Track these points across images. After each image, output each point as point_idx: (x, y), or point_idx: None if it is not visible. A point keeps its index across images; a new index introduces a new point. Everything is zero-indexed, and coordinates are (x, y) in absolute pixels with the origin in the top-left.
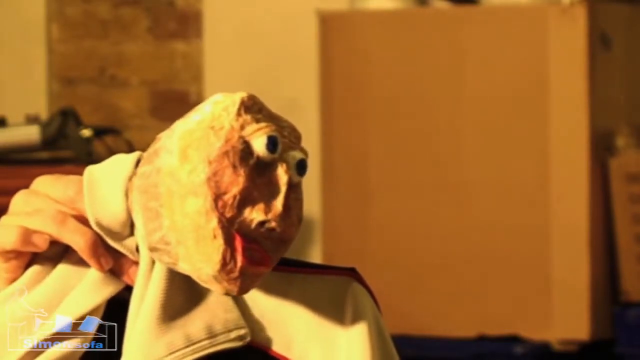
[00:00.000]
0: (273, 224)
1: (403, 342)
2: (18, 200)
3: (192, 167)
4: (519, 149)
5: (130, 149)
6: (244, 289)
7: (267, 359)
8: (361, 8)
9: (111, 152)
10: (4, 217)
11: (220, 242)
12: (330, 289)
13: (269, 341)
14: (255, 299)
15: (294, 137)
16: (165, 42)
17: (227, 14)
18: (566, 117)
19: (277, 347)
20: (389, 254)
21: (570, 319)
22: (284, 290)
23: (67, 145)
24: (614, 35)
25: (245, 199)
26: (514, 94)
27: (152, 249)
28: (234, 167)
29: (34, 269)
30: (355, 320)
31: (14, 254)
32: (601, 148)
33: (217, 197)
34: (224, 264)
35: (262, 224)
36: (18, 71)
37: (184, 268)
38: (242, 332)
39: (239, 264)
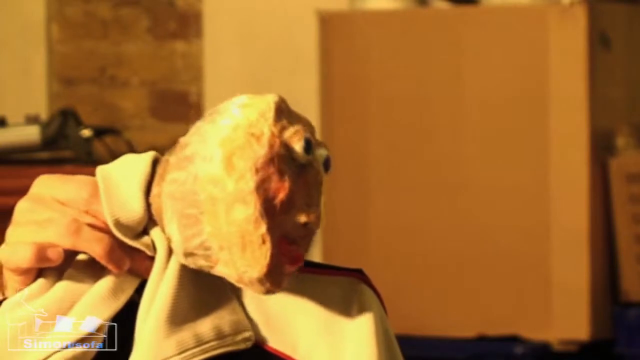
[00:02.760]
0: (314, 225)
1: (403, 342)
2: (24, 209)
3: (239, 176)
4: (519, 149)
5: (130, 149)
6: (282, 288)
7: (272, 359)
8: (361, 8)
9: (111, 152)
10: (12, 230)
11: (268, 247)
12: (338, 290)
13: (274, 341)
14: (262, 298)
15: (312, 133)
16: (165, 42)
17: (227, 14)
18: (566, 117)
19: (283, 347)
20: (389, 254)
21: (570, 319)
22: (291, 290)
23: (67, 146)
24: (614, 35)
25: (290, 203)
26: (514, 94)
27: (188, 255)
28: (280, 172)
29: (44, 276)
30: (361, 321)
31: (26, 269)
32: (601, 148)
33: (266, 203)
34: (271, 267)
35: (304, 225)
36: (18, 71)
37: (221, 271)
38: (247, 334)
39: (285, 266)
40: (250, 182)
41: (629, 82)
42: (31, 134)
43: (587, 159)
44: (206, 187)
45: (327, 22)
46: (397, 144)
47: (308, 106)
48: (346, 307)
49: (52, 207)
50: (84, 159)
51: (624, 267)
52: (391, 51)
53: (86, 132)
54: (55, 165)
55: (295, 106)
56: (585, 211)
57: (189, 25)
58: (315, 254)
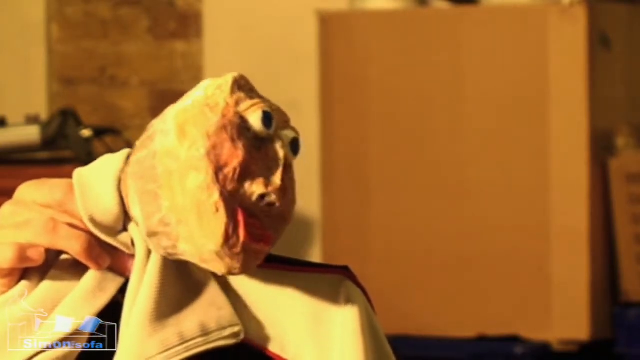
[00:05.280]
0: (273, 197)
1: (403, 342)
2: (5, 212)
3: (191, 143)
4: (519, 149)
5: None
6: (246, 267)
7: (260, 357)
8: (361, 8)
9: (111, 152)
10: None
11: (222, 214)
12: (324, 288)
13: (262, 339)
14: (249, 296)
15: (284, 119)
16: (165, 42)
17: (227, 14)
18: (566, 117)
19: (270, 346)
20: (389, 254)
21: (570, 319)
22: (278, 288)
23: (67, 145)
24: (614, 35)
25: (245, 172)
26: (514, 94)
27: (151, 234)
28: (233, 140)
29: (28, 277)
30: (348, 318)
31: (9, 270)
32: (601, 148)
33: (218, 170)
34: (226, 238)
35: (262, 197)
36: (18, 71)
37: (184, 249)
38: (235, 329)
39: (242, 238)
40: (201, 148)
41: (629, 82)
42: (31, 134)
43: (587, 159)
44: (163, 160)
45: (327, 22)
46: (397, 144)
47: (308, 106)
48: (332, 304)
49: (31, 209)
50: (84, 159)
51: (624, 267)
52: (391, 51)
53: (86, 132)
54: (55, 165)
55: (295, 106)
56: (585, 211)
57: (189, 25)
58: (316, 254)
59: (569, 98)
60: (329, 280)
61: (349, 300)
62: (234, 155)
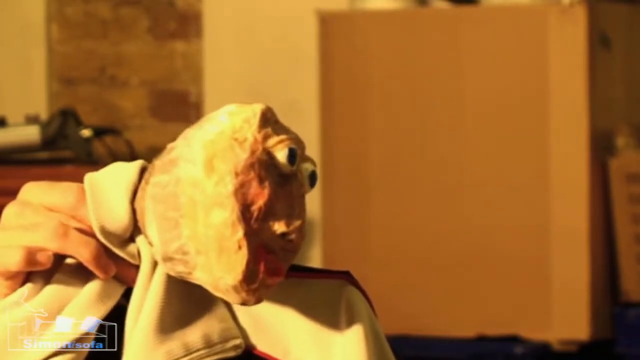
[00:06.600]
0: (293, 236)
1: (403, 342)
2: (10, 213)
3: (218, 179)
4: (519, 149)
5: (130, 149)
6: (259, 300)
7: None
8: (361, 8)
9: (111, 152)
10: None
11: (244, 253)
12: (325, 293)
13: (264, 346)
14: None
15: (301, 148)
16: (165, 42)
17: (227, 14)
18: (566, 117)
19: (273, 352)
20: (389, 254)
21: (570, 319)
22: (279, 295)
23: (67, 145)
24: (614, 35)
25: (269, 211)
26: (514, 94)
27: (167, 259)
28: (260, 179)
29: (32, 280)
30: (350, 324)
31: (15, 272)
32: (601, 148)
33: (244, 208)
34: (246, 275)
35: (283, 235)
36: (18, 71)
37: (199, 277)
38: (237, 341)
39: (260, 275)
40: (229, 185)
41: (629, 82)
42: (31, 134)
43: (587, 159)
44: (187, 190)
45: (327, 22)
46: (397, 144)
47: (308, 106)
48: (334, 309)
49: (39, 212)
50: (84, 159)
51: (624, 267)
52: (391, 51)
53: (86, 132)
54: (55, 165)
55: (295, 106)
56: (585, 211)
57: (189, 25)
58: (315, 255)
59: (569, 98)
60: (330, 285)
61: (351, 306)
62: (261, 195)
